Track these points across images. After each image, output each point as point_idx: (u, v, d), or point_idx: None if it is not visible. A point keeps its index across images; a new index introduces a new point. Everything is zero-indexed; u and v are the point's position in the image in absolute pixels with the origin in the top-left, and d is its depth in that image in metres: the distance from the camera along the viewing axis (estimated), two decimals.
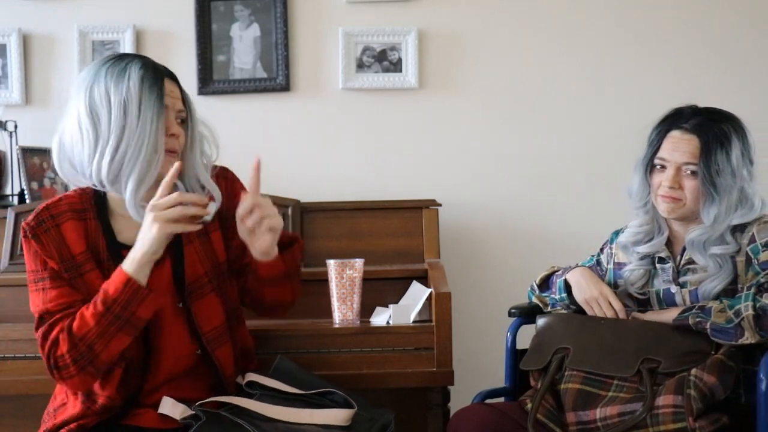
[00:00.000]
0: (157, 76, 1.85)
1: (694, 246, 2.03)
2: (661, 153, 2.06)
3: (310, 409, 1.90)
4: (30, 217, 1.87)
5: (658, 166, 2.07)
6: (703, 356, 1.91)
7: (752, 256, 1.98)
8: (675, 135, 2.05)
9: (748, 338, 1.87)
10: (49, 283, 1.83)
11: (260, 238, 1.83)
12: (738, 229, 2.02)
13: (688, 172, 2.02)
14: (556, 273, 2.24)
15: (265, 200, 1.84)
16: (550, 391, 2.01)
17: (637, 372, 1.94)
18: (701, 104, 2.11)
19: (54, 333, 1.78)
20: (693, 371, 1.88)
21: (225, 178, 2.02)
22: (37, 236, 1.83)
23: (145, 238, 1.77)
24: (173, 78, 1.91)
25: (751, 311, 1.87)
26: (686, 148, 2.02)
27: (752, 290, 1.92)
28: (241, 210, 1.82)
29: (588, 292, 2.11)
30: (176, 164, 1.77)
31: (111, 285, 1.78)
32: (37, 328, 1.82)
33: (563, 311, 2.19)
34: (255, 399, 1.88)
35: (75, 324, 1.77)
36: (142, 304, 1.78)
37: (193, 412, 1.81)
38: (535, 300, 2.27)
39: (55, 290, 1.82)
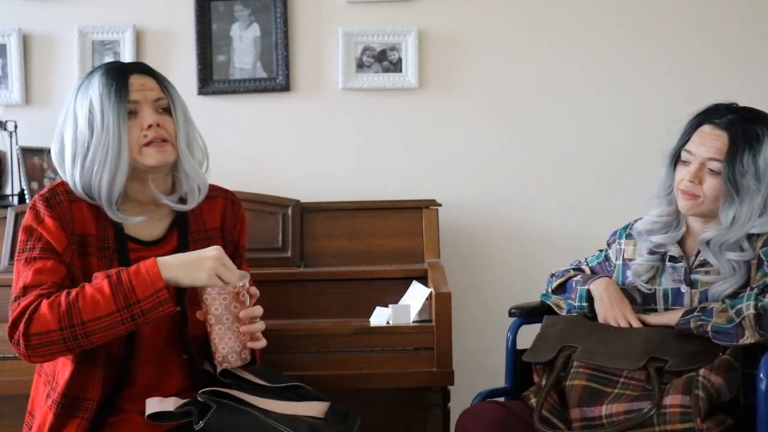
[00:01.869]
0: (119, 76, 1.87)
1: (708, 246, 2.01)
2: (689, 146, 2.04)
3: (291, 402, 1.91)
4: (44, 190, 1.88)
5: (684, 160, 2.04)
6: (711, 356, 1.91)
7: (764, 259, 1.97)
8: (705, 129, 2.03)
9: (748, 338, 1.87)
10: (39, 253, 1.80)
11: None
12: (755, 236, 2.00)
13: (711, 169, 1.99)
14: (575, 279, 2.21)
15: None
16: (555, 387, 2.01)
17: (644, 368, 1.93)
18: (700, 105, 2.10)
19: (40, 305, 1.72)
20: (701, 371, 1.87)
21: (232, 203, 2.07)
22: (50, 206, 1.83)
23: (194, 266, 1.77)
24: (145, 70, 1.93)
25: (752, 310, 1.87)
26: (713, 144, 1.99)
27: (755, 290, 1.92)
28: (244, 314, 1.81)
29: (609, 310, 2.09)
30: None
31: (140, 284, 1.73)
32: (16, 299, 1.76)
33: (574, 314, 2.18)
34: (234, 389, 1.88)
35: (78, 305, 1.72)
36: (156, 313, 1.76)
37: (184, 402, 1.80)
38: (550, 303, 2.25)
39: (44, 263, 1.79)
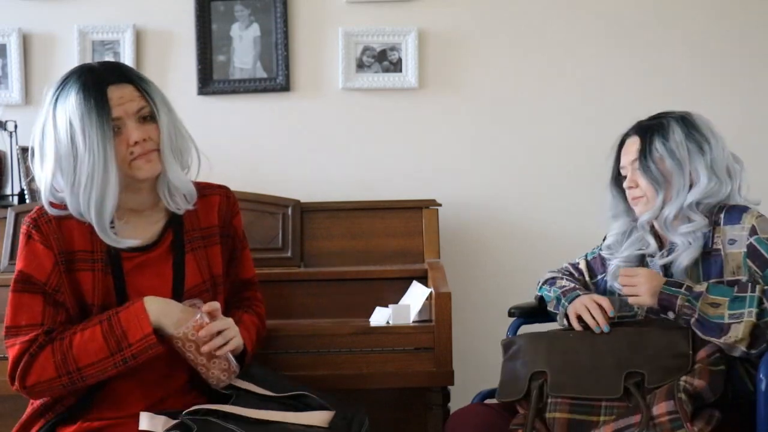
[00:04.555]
0: (97, 91, 1.77)
1: (663, 227, 2.07)
2: (621, 163, 2.19)
3: (292, 411, 1.89)
4: (33, 211, 1.87)
5: (623, 176, 2.18)
6: (684, 360, 1.89)
7: (760, 249, 1.96)
8: (625, 142, 2.19)
9: (736, 342, 1.85)
10: (21, 286, 1.82)
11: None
12: (715, 208, 2.04)
13: (637, 167, 2.12)
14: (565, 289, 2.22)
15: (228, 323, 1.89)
16: (538, 417, 1.96)
17: (625, 390, 1.90)
18: (691, 107, 2.20)
19: (36, 359, 1.78)
20: (682, 378, 1.86)
21: (227, 197, 2.05)
22: (38, 227, 1.82)
23: (180, 323, 1.83)
24: (123, 78, 1.83)
25: (754, 318, 1.85)
26: (631, 149, 2.15)
27: (757, 295, 1.88)
28: (205, 332, 1.83)
29: (578, 302, 2.10)
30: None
31: (131, 329, 1.79)
32: (9, 336, 1.81)
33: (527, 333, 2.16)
34: (233, 401, 1.87)
35: (73, 352, 1.78)
36: (147, 356, 1.81)
37: (176, 422, 1.78)
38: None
39: (20, 297, 1.82)
